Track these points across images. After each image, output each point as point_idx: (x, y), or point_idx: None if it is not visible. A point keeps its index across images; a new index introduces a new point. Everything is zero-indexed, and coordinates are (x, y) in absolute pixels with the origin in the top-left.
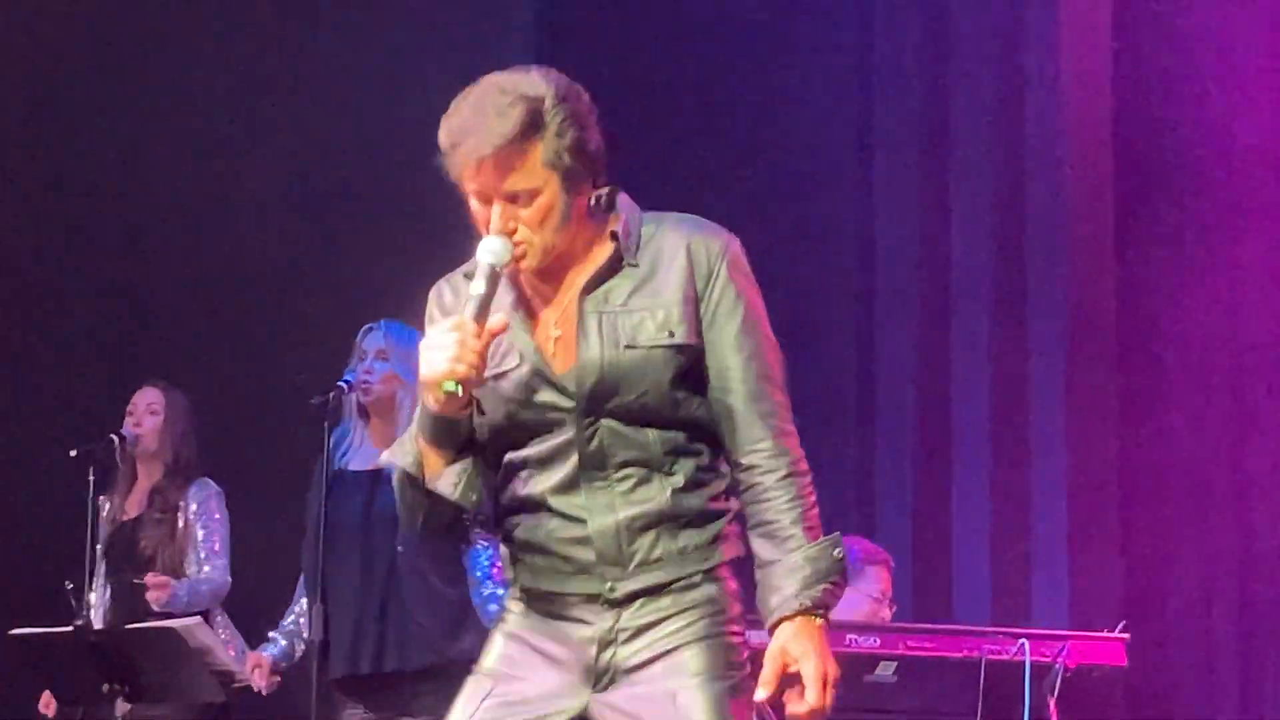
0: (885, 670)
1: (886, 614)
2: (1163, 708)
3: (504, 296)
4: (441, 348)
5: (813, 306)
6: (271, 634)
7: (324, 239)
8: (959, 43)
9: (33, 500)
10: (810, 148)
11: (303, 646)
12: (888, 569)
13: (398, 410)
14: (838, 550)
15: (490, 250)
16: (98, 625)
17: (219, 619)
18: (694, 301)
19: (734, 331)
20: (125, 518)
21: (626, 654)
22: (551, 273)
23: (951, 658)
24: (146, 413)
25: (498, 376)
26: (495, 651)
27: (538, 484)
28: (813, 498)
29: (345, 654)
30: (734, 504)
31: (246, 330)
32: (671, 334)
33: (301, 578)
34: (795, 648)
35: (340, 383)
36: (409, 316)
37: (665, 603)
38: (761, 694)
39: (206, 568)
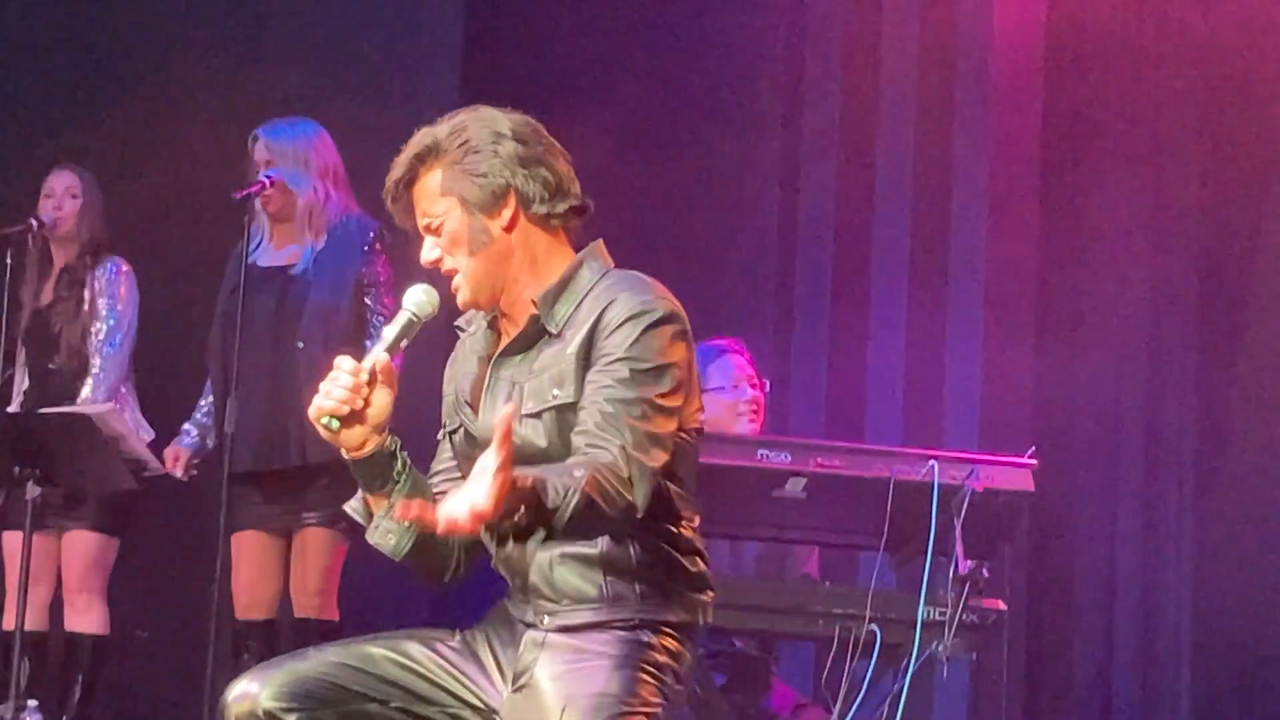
0: (794, 486)
1: (751, 392)
2: (1067, 533)
3: (480, 345)
4: (322, 385)
5: (740, 136)
6: (185, 426)
7: (242, 26)
8: None
9: None
10: None
11: (214, 439)
12: (731, 353)
13: (296, 208)
14: (576, 494)
15: (411, 299)
16: (14, 410)
17: (130, 408)
18: (586, 358)
19: (602, 353)
20: (42, 304)
21: (547, 660)
22: (514, 318)
23: (861, 477)
24: (66, 195)
25: (454, 431)
26: (479, 629)
27: None
28: (596, 481)
29: (252, 448)
30: (692, 565)
31: (162, 118)
32: (556, 394)
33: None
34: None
35: (263, 176)
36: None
37: (600, 636)
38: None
39: (98, 359)
